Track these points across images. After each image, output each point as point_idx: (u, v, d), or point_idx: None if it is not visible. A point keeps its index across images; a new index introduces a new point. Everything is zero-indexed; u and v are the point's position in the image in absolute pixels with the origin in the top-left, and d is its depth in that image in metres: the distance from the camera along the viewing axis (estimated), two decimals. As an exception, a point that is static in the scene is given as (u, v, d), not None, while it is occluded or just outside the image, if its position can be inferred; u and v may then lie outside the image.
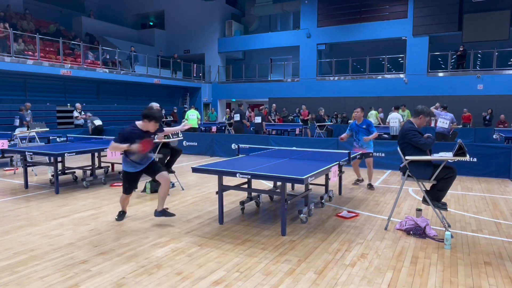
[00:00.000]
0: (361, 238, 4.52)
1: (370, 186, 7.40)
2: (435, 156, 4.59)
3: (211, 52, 25.98)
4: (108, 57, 19.24)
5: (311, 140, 11.61)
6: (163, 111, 17.97)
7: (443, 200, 4.71)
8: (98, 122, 13.36)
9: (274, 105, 19.74)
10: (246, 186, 5.76)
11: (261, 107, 17.83)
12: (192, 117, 15.19)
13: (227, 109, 23.18)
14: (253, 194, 5.86)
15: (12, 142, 9.66)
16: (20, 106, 13.55)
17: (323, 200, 6.01)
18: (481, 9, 18.52)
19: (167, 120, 18.09)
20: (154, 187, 6.90)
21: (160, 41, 26.64)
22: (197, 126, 15.28)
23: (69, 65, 16.56)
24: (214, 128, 17.31)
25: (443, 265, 3.77)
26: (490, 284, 3.36)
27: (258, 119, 14.04)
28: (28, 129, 9.64)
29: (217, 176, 5.01)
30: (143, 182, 7.39)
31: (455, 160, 4.47)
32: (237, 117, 14.02)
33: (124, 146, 4.66)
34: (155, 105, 6.96)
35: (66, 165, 8.30)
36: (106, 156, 7.41)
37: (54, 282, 3.37)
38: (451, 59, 19.96)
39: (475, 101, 16.56)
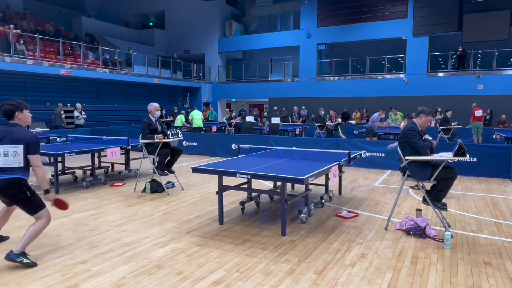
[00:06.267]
0: (361, 238, 4.52)
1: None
2: (435, 156, 4.60)
3: (211, 52, 25.96)
4: (108, 57, 19.23)
5: (311, 140, 11.60)
6: (164, 111, 18.01)
7: (443, 200, 4.72)
8: None
9: (295, 107, 19.47)
10: (246, 186, 5.75)
11: (276, 108, 18.01)
12: (197, 117, 15.30)
13: (226, 109, 23.11)
14: (253, 194, 5.86)
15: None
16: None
17: (323, 200, 6.01)
18: (481, 9, 18.50)
19: (167, 120, 18.10)
20: (154, 187, 6.91)
21: (160, 41, 26.61)
22: (202, 126, 15.42)
23: (69, 65, 16.55)
24: (214, 128, 17.32)
25: (443, 265, 3.77)
26: (490, 284, 3.36)
27: (276, 120, 14.15)
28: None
29: (217, 176, 5.01)
30: (143, 182, 7.41)
31: (455, 160, 4.48)
32: (250, 118, 14.72)
33: None
34: (154, 105, 7.00)
35: (66, 165, 8.30)
36: (106, 156, 7.42)
37: (54, 282, 3.37)
38: (451, 59, 19.94)
39: (475, 101, 16.51)
